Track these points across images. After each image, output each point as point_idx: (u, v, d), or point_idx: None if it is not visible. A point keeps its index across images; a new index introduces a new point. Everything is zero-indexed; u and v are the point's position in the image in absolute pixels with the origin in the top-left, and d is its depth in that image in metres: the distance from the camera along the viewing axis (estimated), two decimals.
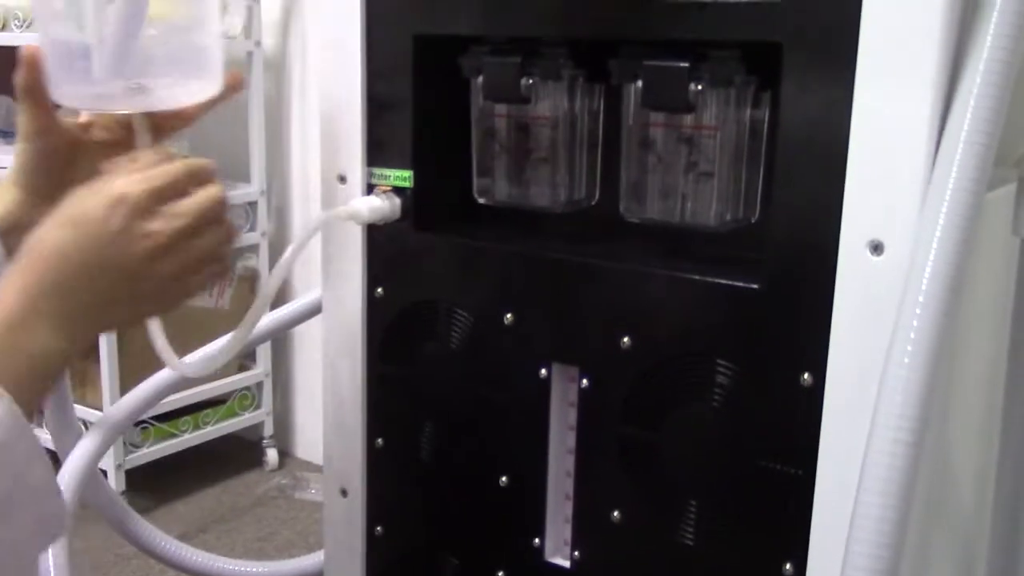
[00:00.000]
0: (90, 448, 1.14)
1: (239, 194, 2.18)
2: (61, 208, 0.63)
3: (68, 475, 1.11)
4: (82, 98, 0.70)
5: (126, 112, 0.71)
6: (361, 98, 0.88)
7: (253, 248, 2.24)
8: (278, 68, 2.28)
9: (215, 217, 0.66)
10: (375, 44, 0.86)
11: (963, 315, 0.74)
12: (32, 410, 0.61)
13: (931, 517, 0.76)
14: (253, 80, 2.14)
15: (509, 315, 0.83)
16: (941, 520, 0.82)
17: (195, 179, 0.66)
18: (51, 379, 0.64)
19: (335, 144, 0.90)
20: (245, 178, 2.21)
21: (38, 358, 0.61)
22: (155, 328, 0.76)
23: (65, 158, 0.74)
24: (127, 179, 0.63)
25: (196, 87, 0.72)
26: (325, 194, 0.92)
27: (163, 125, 0.75)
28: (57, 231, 0.62)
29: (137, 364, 2.01)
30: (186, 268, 0.65)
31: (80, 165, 0.74)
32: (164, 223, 0.63)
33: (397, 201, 0.87)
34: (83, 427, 1.21)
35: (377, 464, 0.94)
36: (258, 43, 2.14)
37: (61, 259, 0.62)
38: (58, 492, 0.64)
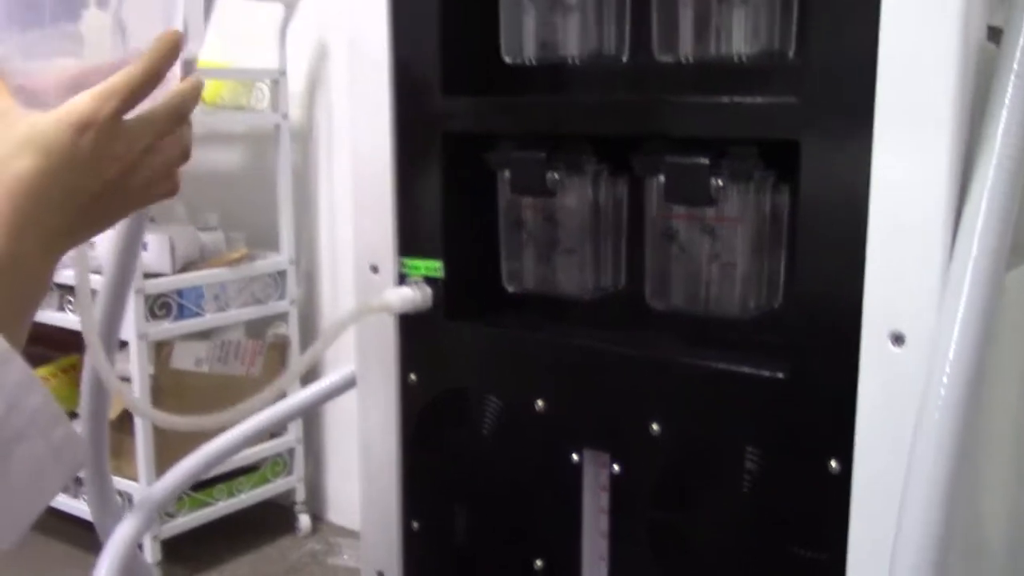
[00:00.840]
0: (131, 530, 1.17)
1: (268, 263, 2.22)
2: (22, 133, 0.61)
3: (110, 557, 1.14)
4: None
5: None
6: (392, 192, 0.90)
7: (283, 316, 2.27)
8: (304, 139, 2.33)
9: (175, 125, 0.66)
10: (405, 140, 0.89)
11: (990, 378, 0.75)
12: (20, 338, 0.61)
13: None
14: (280, 152, 2.19)
15: (540, 402, 0.85)
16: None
17: (154, 81, 0.64)
18: (28, 296, 0.63)
19: (367, 236, 0.93)
20: (274, 247, 2.26)
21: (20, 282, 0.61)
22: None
23: None
24: (90, 102, 0.61)
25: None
26: (358, 283, 0.95)
27: None
28: (23, 161, 0.60)
29: (172, 435, 2.04)
30: (150, 180, 0.65)
31: None
32: (128, 144, 0.63)
33: (428, 291, 0.90)
34: (119, 499, 1.24)
35: (413, 547, 0.95)
36: (285, 115, 2.19)
37: (31, 190, 0.60)
38: (62, 418, 0.62)
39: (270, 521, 2.37)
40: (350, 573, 2.16)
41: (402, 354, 0.94)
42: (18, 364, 0.58)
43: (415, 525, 0.95)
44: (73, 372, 2.31)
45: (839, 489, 0.71)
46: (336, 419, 2.40)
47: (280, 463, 2.30)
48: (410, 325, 0.93)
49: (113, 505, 1.22)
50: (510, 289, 0.92)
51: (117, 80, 0.62)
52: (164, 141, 0.66)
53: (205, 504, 2.15)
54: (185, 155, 0.69)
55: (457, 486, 0.91)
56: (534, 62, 0.87)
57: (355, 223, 0.94)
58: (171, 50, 0.64)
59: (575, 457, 0.84)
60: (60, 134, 0.61)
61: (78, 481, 2.19)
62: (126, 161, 0.63)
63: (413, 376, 0.93)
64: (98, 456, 1.20)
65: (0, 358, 0.57)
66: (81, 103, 0.61)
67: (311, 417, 2.40)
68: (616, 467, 0.81)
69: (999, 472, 0.85)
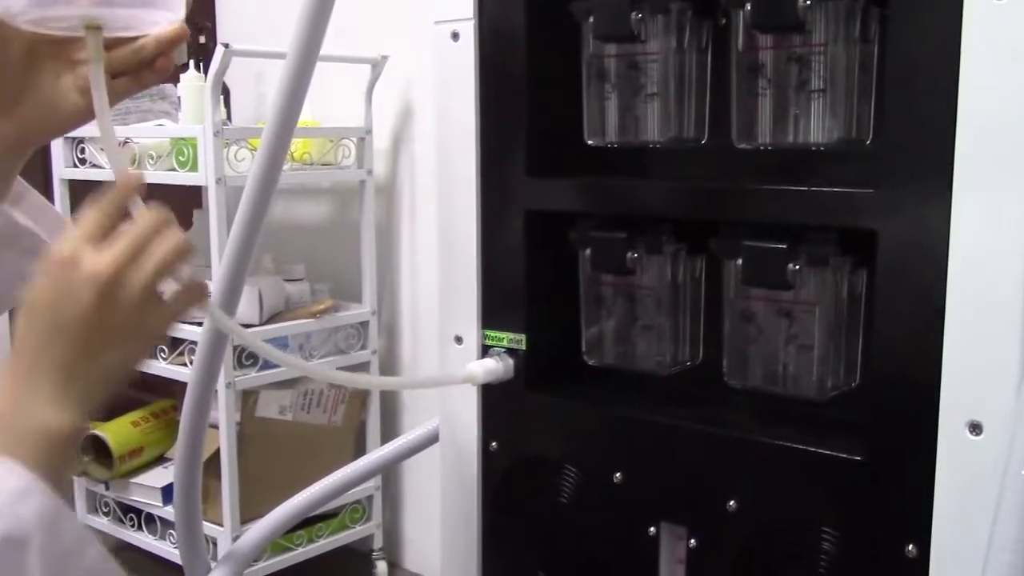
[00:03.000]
0: None
1: (351, 315, 2.28)
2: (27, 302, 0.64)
3: None
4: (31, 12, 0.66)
5: (75, 31, 0.67)
6: (477, 266, 0.94)
7: (364, 366, 2.32)
8: (389, 194, 2.40)
9: (157, 234, 0.66)
10: (489, 217, 0.93)
11: None
12: (61, 489, 0.63)
13: None
14: (365, 206, 2.26)
15: (618, 474, 0.87)
16: None
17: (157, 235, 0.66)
18: (69, 452, 0.66)
19: (452, 307, 0.97)
20: (357, 299, 2.31)
21: (52, 434, 0.63)
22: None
23: (22, 65, 0.73)
24: (92, 258, 0.62)
25: (154, 15, 0.70)
26: (442, 352, 0.99)
27: (123, 65, 0.73)
28: (26, 321, 0.64)
29: (256, 478, 2.10)
30: (143, 291, 0.64)
31: (38, 69, 0.73)
32: (106, 255, 0.63)
33: (511, 362, 0.93)
34: (210, 562, 1.28)
35: None
36: (370, 171, 2.26)
37: (35, 340, 0.63)
38: (114, 565, 0.64)
39: (348, 567, 2.41)
40: None
41: (484, 422, 0.97)
42: (70, 519, 0.63)
43: None
44: (164, 416, 2.39)
45: (916, 574, 0.72)
46: (414, 467, 2.44)
47: (359, 510, 2.34)
48: (492, 394, 0.96)
49: (202, 551, 1.27)
50: (590, 362, 0.95)
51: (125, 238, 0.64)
52: (148, 248, 0.65)
53: (287, 549, 2.20)
54: (181, 250, 0.67)
55: (535, 553, 0.94)
56: (616, 145, 0.90)
57: (440, 294, 0.98)
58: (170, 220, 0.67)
59: (652, 530, 0.85)
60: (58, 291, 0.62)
61: (165, 523, 2.27)
62: (101, 273, 0.62)
63: (494, 444, 0.96)
64: (190, 501, 1.24)
65: (55, 514, 0.61)
66: (87, 258, 0.62)
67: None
68: (693, 542, 0.83)
69: None
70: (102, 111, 0.68)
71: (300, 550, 2.22)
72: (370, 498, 2.36)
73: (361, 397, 2.31)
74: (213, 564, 1.28)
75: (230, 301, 1.14)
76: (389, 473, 2.44)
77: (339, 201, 2.54)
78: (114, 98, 0.72)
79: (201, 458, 1.26)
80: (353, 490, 2.30)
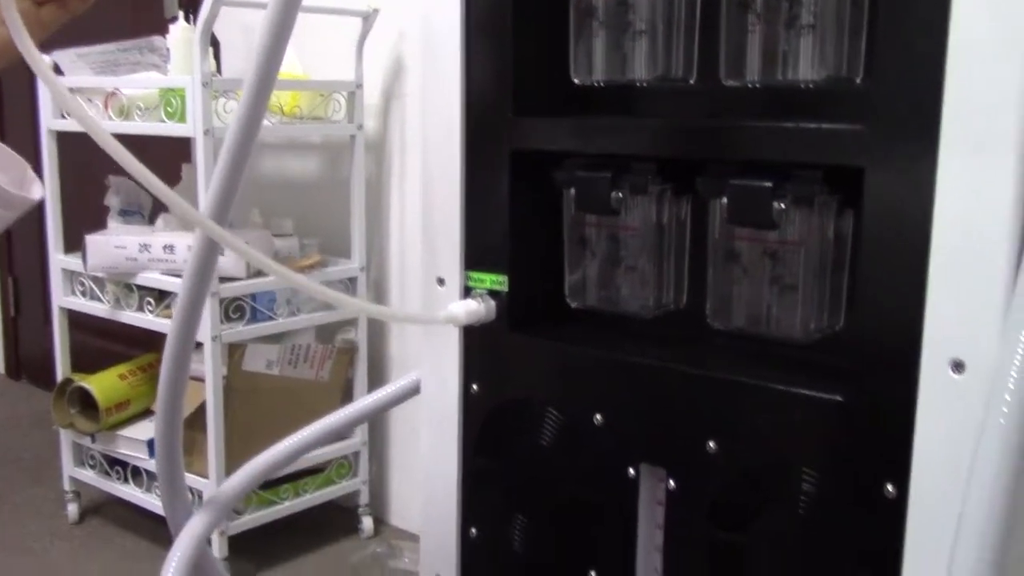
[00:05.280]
0: (201, 526, 1.21)
1: (340, 270, 2.27)
2: None
3: (179, 552, 1.18)
4: None
5: None
6: (460, 207, 0.93)
7: (352, 322, 2.32)
8: (379, 150, 2.38)
9: None
10: (474, 156, 0.92)
11: None
12: None
13: None
14: (355, 162, 2.24)
15: (599, 416, 0.86)
16: None
17: None
18: None
19: (435, 249, 0.96)
20: (346, 255, 2.30)
21: None
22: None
23: None
24: None
25: None
26: (424, 294, 0.98)
27: None
28: None
29: (242, 432, 2.10)
30: None
31: None
32: None
33: (492, 304, 0.92)
34: (190, 494, 1.28)
35: (471, 552, 0.98)
36: (360, 127, 2.24)
37: None
38: None
39: (334, 522, 2.41)
40: None
41: (465, 364, 0.96)
42: None
43: (473, 531, 0.97)
44: (151, 370, 2.39)
45: (894, 513, 0.71)
46: (400, 424, 2.44)
47: (345, 465, 2.35)
48: (474, 336, 0.95)
49: (185, 501, 1.27)
50: (573, 304, 0.94)
51: None
52: None
53: (272, 503, 2.20)
54: None
55: (515, 495, 0.93)
56: (603, 84, 0.89)
57: (423, 236, 0.97)
58: None
59: (632, 471, 0.85)
60: None
61: (151, 476, 2.26)
62: None
63: (475, 386, 0.95)
64: (172, 453, 1.24)
65: None
66: None
67: (376, 422, 2.44)
68: (672, 483, 0.83)
69: None
70: (18, 33, 0.65)
71: (286, 504, 2.23)
72: (356, 454, 2.36)
73: (349, 354, 2.31)
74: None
75: (211, 250, 1.13)
76: (375, 430, 2.44)
77: (329, 156, 2.52)
78: (43, 29, 0.71)
79: (183, 404, 1.25)
80: (339, 445, 2.31)
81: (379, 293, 2.43)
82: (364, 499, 2.39)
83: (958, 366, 0.68)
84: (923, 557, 0.70)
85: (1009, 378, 0.63)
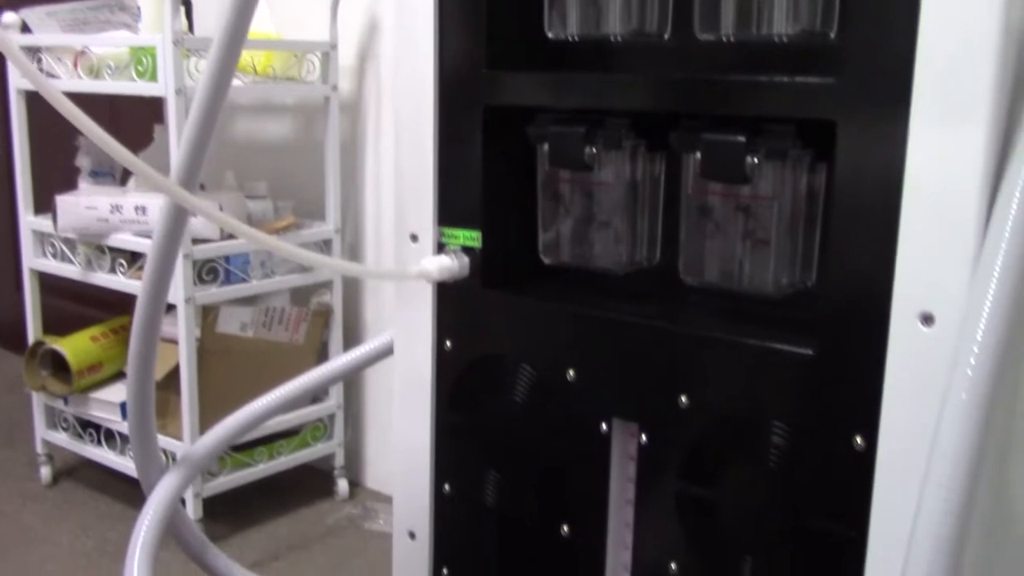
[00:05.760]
0: (174, 483, 1.20)
1: (314, 232, 2.25)
2: None
3: (152, 509, 1.17)
4: None
5: None
6: (433, 162, 0.92)
7: (327, 284, 2.31)
8: (354, 111, 2.36)
9: None
10: (447, 111, 0.91)
11: (1021, 363, 0.76)
12: None
13: (991, 572, 0.78)
14: (329, 123, 2.22)
15: (572, 371, 0.87)
16: (1003, 569, 0.83)
17: None
18: None
19: (408, 204, 0.95)
20: (321, 217, 2.29)
21: None
22: None
23: None
24: None
25: None
26: (398, 250, 0.97)
27: None
28: None
29: (217, 395, 2.09)
30: None
31: None
32: None
33: (466, 260, 0.92)
34: (164, 457, 1.28)
35: (444, 509, 0.98)
36: (335, 87, 2.21)
37: None
38: None
39: (309, 485, 2.42)
40: (386, 538, 2.19)
41: (438, 321, 0.96)
42: None
43: (446, 488, 0.97)
44: (123, 332, 2.37)
45: (863, 465, 0.72)
46: (376, 388, 2.44)
47: (320, 428, 2.35)
48: (447, 293, 0.95)
49: (157, 461, 1.26)
50: (546, 261, 0.94)
51: None
52: None
53: (246, 465, 2.20)
54: None
55: (488, 451, 0.94)
56: (577, 38, 0.88)
57: (396, 191, 0.97)
58: None
59: (604, 426, 0.85)
60: None
61: (124, 438, 2.25)
62: None
63: (448, 343, 0.95)
64: (144, 413, 1.23)
65: None
66: None
67: (351, 385, 2.44)
68: (644, 437, 0.83)
69: None
70: None
71: (260, 466, 2.23)
72: (332, 417, 2.36)
73: (324, 316, 2.30)
74: None
75: (180, 209, 1.12)
76: (351, 393, 2.44)
77: (303, 118, 2.49)
78: None
79: (154, 365, 1.25)
80: (314, 408, 2.30)
81: (354, 255, 2.42)
82: (339, 462, 2.39)
83: (927, 319, 0.68)
84: (891, 508, 0.71)
85: (977, 330, 0.64)
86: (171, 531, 1.27)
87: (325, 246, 2.27)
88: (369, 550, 2.16)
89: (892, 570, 0.69)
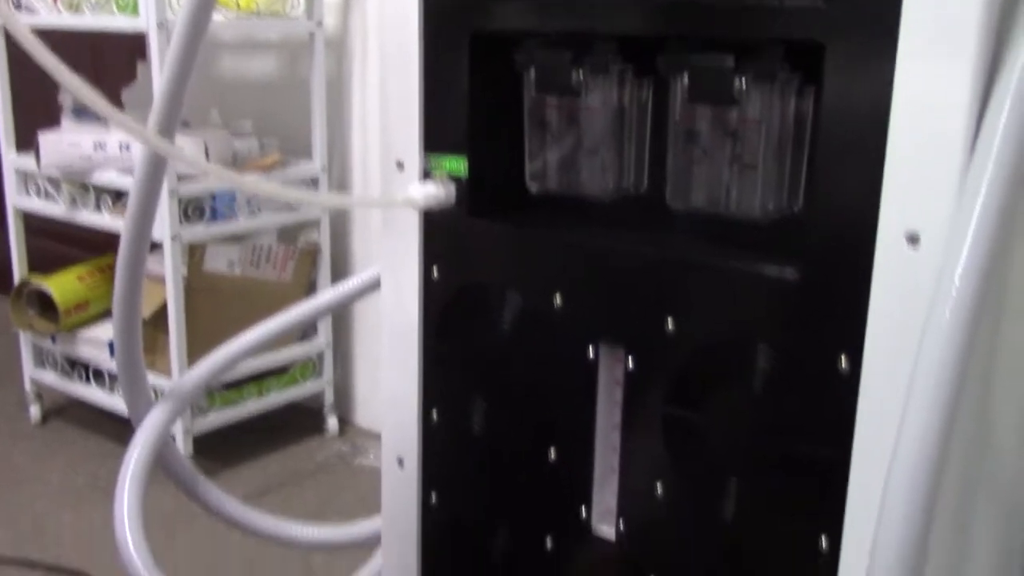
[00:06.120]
0: (162, 416, 1.21)
1: (301, 170, 2.24)
2: None
3: (141, 441, 1.18)
4: None
5: None
6: (419, 88, 0.91)
7: (314, 223, 2.30)
8: (339, 48, 2.33)
9: None
10: (432, 36, 0.90)
11: (1006, 290, 0.77)
12: None
13: (972, 491, 0.79)
14: (315, 60, 2.20)
15: (558, 298, 0.87)
16: (984, 494, 0.84)
17: None
18: None
19: (394, 131, 0.94)
20: (307, 155, 2.27)
21: None
22: None
23: None
24: None
25: None
26: (383, 178, 0.97)
27: None
28: None
29: (205, 332, 2.09)
30: None
31: None
32: None
33: (452, 188, 0.91)
34: (152, 393, 1.28)
35: (432, 436, 0.99)
36: (319, 23, 2.19)
37: None
38: None
39: (299, 422, 2.43)
40: (376, 474, 2.22)
41: (425, 250, 0.95)
42: None
43: (434, 415, 0.98)
44: (110, 271, 2.36)
45: (848, 387, 0.73)
46: (364, 325, 2.44)
47: (309, 366, 2.36)
48: (433, 222, 0.94)
49: (146, 396, 1.27)
50: (533, 189, 0.93)
51: None
52: None
53: (235, 403, 2.21)
54: None
55: (475, 379, 0.94)
56: None
57: (382, 118, 0.96)
58: None
59: (591, 352, 0.86)
60: None
61: (113, 377, 2.26)
62: None
63: (435, 272, 0.95)
64: (131, 350, 1.23)
65: None
66: None
67: (340, 323, 2.44)
68: (631, 362, 0.84)
69: (1014, 384, 0.86)
70: None
71: (250, 404, 2.24)
72: (321, 355, 2.36)
73: (311, 255, 2.30)
74: None
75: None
76: (340, 330, 2.44)
77: (288, 55, 2.46)
78: None
79: (140, 300, 1.24)
80: (303, 347, 2.31)
81: (341, 194, 2.40)
82: (329, 399, 2.40)
83: (913, 239, 0.68)
84: (874, 428, 0.72)
85: (961, 249, 0.64)
86: (161, 464, 1.28)
87: (312, 184, 2.26)
88: (359, 485, 2.19)
89: (874, 486, 0.70)
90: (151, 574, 1.03)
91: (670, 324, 0.81)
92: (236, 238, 2.22)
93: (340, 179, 2.40)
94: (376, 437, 2.38)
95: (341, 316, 2.44)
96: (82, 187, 2.16)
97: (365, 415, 2.49)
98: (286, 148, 2.30)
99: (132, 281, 1.21)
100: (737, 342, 0.78)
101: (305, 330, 2.35)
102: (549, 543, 0.92)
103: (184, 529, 1.96)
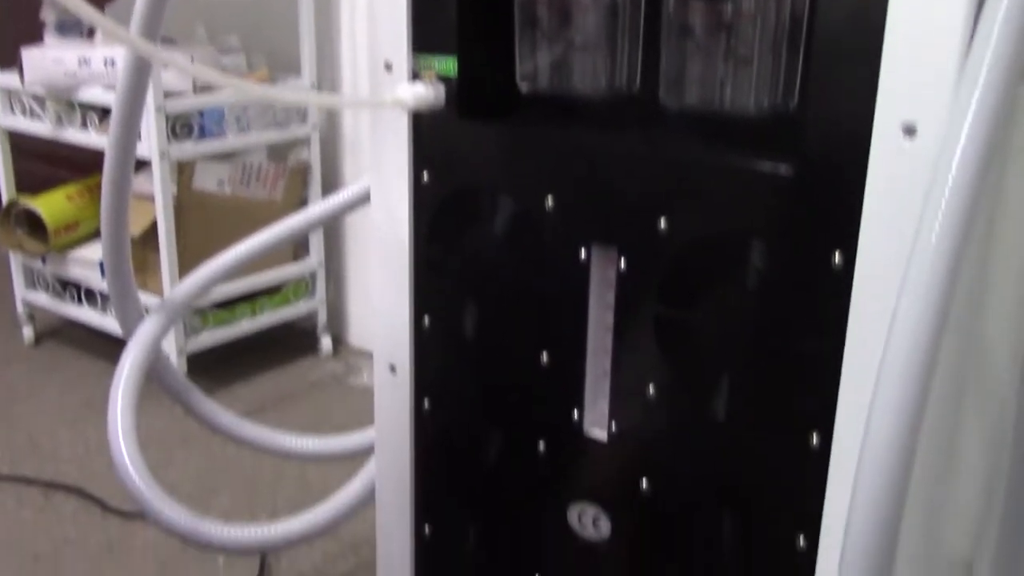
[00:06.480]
0: (153, 327, 1.21)
1: (290, 86, 2.20)
2: None
3: (134, 351, 1.18)
4: None
5: None
6: None
7: (304, 141, 2.27)
8: None
9: None
10: None
11: (1004, 197, 0.76)
12: None
13: (962, 387, 0.79)
14: None
15: (550, 200, 0.86)
16: (974, 392, 0.84)
17: None
18: None
19: (382, 30, 0.92)
20: (296, 71, 2.24)
21: None
22: None
23: None
24: None
25: None
26: (372, 80, 0.95)
27: None
28: None
29: (195, 251, 2.08)
30: None
31: None
32: None
33: (441, 88, 0.89)
34: (144, 310, 1.27)
35: (424, 342, 0.98)
36: None
37: None
38: None
39: (293, 342, 2.44)
40: (369, 393, 2.23)
41: (415, 154, 0.94)
42: None
43: (426, 321, 0.97)
44: (99, 191, 2.33)
45: (841, 283, 0.72)
46: (357, 245, 2.43)
47: (302, 285, 2.35)
48: (423, 125, 0.93)
49: (137, 309, 1.26)
50: (524, 89, 0.91)
51: None
52: None
53: (228, 322, 2.21)
54: None
55: (467, 283, 0.93)
56: None
57: (370, 17, 0.93)
58: None
59: (583, 254, 0.85)
60: None
61: (105, 297, 2.25)
62: None
63: (425, 176, 0.94)
64: (120, 262, 1.23)
65: None
66: None
67: (332, 242, 2.43)
68: (624, 263, 0.83)
69: (1007, 280, 0.86)
70: None
71: (244, 323, 2.24)
72: (313, 275, 2.36)
73: (301, 174, 2.27)
74: None
75: (142, 59, 1.08)
76: (332, 250, 2.43)
77: None
78: None
79: (127, 214, 1.23)
80: (296, 266, 2.30)
81: (331, 112, 2.37)
82: (322, 319, 2.40)
83: (910, 131, 0.67)
84: (867, 325, 0.71)
85: (960, 138, 0.63)
86: (154, 376, 1.28)
87: None
88: (352, 404, 2.20)
89: (867, 381, 0.70)
90: (142, 472, 1.03)
91: (663, 224, 0.80)
92: (225, 156, 2.20)
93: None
94: (370, 356, 2.38)
95: (333, 236, 2.43)
96: (68, 104, 2.13)
97: (359, 335, 2.49)
98: (274, 64, 2.26)
99: (118, 199, 1.20)
100: (730, 241, 0.77)
101: (297, 250, 2.34)
102: (541, 447, 0.92)
103: (180, 449, 1.97)
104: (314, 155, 2.28)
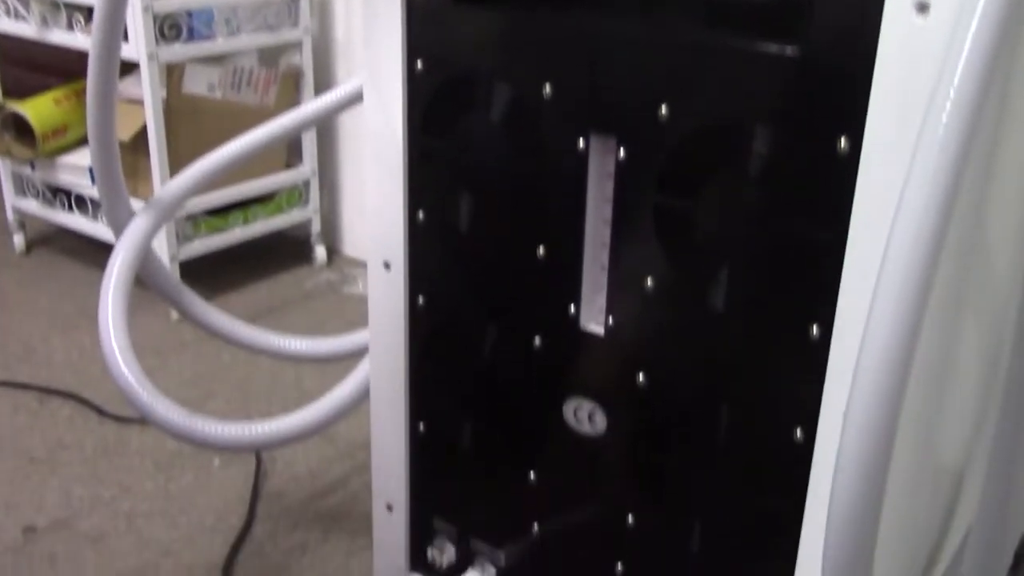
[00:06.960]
0: (143, 224, 1.19)
1: None
2: None
3: (124, 249, 1.16)
4: None
5: None
6: None
7: (296, 46, 2.22)
8: None
9: None
10: None
11: (1012, 102, 0.73)
12: None
13: (962, 291, 0.78)
14: None
15: (548, 87, 0.83)
16: (974, 296, 0.83)
17: None
18: None
19: None
20: None
21: None
22: None
23: None
24: None
25: None
26: None
27: None
28: None
29: (186, 157, 2.05)
30: None
31: None
32: None
33: None
34: (134, 211, 1.25)
35: (418, 237, 0.97)
36: None
37: None
38: None
39: (287, 251, 2.42)
40: (364, 302, 2.22)
41: (408, 42, 0.91)
42: None
43: (420, 215, 0.95)
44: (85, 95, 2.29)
45: (846, 168, 0.70)
46: (351, 154, 2.40)
47: (296, 193, 2.32)
48: (416, 11, 0.89)
49: (129, 213, 1.24)
50: None
51: None
52: None
53: (220, 229, 2.19)
54: None
55: (462, 175, 0.91)
56: None
57: None
58: None
59: (581, 144, 0.83)
60: None
61: (96, 204, 2.23)
62: None
63: (419, 64, 0.91)
64: (109, 166, 1.20)
65: None
66: None
67: (326, 150, 2.40)
68: (623, 152, 0.81)
69: (1010, 199, 0.84)
70: None
71: (236, 231, 2.21)
72: (307, 183, 2.33)
73: (293, 79, 2.23)
74: None
75: None
76: (325, 158, 2.40)
77: None
78: None
79: (114, 117, 1.20)
80: (289, 174, 2.27)
81: (324, 16, 2.32)
82: (316, 228, 2.38)
83: (922, 7, 0.65)
84: (872, 211, 0.70)
85: (975, 13, 0.60)
86: (146, 278, 1.27)
87: (293, 3, 2.17)
88: (347, 313, 2.19)
89: (869, 271, 0.68)
90: (132, 365, 1.03)
91: (664, 110, 0.78)
92: (215, 59, 2.15)
93: (322, 8, 2.31)
94: (364, 265, 2.37)
95: (326, 144, 2.39)
96: (52, 5, 2.07)
97: (353, 244, 2.47)
98: None
99: (104, 92, 1.17)
100: (732, 127, 0.75)
101: (290, 158, 2.30)
102: (538, 341, 0.91)
103: (175, 355, 1.97)
104: (306, 60, 2.23)
